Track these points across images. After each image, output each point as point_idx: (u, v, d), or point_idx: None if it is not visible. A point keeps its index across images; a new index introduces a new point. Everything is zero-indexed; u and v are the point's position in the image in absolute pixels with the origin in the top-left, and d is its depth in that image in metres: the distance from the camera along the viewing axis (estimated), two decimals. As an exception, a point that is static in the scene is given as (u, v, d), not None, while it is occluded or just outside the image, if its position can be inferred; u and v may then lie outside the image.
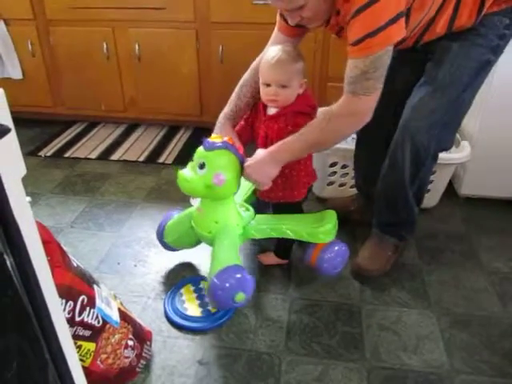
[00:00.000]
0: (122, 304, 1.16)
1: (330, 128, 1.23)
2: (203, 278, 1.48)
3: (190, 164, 1.31)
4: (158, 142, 2.44)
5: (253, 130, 1.44)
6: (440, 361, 1.23)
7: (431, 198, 1.81)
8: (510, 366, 1.22)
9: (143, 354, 1.19)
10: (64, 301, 0.87)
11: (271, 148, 1.28)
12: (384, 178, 1.43)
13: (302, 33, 1.38)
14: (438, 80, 1.28)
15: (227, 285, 1.20)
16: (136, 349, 1.14)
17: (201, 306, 1.38)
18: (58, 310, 0.63)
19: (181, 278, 1.50)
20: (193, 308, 1.37)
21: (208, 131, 2.50)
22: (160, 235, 1.52)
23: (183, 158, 2.27)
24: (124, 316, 1.12)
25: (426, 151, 1.32)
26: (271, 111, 1.35)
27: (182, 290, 1.43)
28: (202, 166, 1.25)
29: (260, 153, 1.30)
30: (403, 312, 1.39)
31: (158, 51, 2.33)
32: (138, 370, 1.17)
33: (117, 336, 1.06)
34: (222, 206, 1.34)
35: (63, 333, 0.64)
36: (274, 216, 1.47)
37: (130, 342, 1.12)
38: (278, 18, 1.37)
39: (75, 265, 0.97)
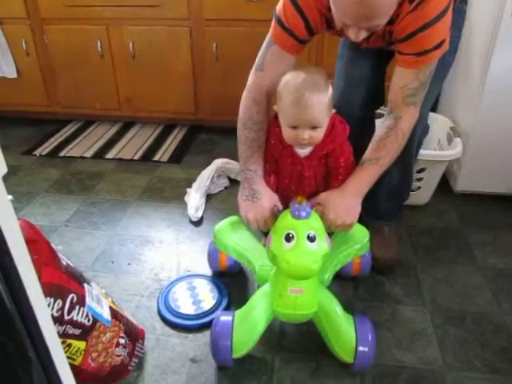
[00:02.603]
0: (113, 302, 1.16)
1: (402, 144, 1.22)
2: (197, 276, 1.48)
3: (273, 244, 1.05)
4: (153, 140, 2.44)
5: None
6: (433, 357, 1.23)
7: (424, 195, 1.81)
8: (502, 361, 1.22)
9: (135, 353, 1.18)
10: (52, 299, 0.87)
11: (350, 184, 1.17)
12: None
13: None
14: None
15: (373, 343, 1.13)
16: (128, 347, 1.14)
17: (194, 303, 1.37)
18: (43, 308, 0.63)
19: (175, 276, 1.50)
20: (186, 306, 1.36)
21: (203, 129, 2.52)
22: (228, 352, 1.13)
23: (178, 157, 2.27)
24: (116, 314, 1.12)
25: (426, 129, 1.43)
26: (303, 152, 1.20)
27: (176, 288, 1.43)
28: (313, 239, 1.03)
29: (332, 194, 1.16)
30: (397, 309, 1.38)
31: (153, 49, 2.33)
32: (130, 368, 1.17)
33: (108, 334, 1.06)
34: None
35: (49, 331, 0.64)
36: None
37: (122, 341, 1.12)
38: (281, 35, 1.18)
39: (65, 263, 0.96)
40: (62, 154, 2.31)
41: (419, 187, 1.76)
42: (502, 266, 1.56)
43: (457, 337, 1.29)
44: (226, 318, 1.15)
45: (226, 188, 1.99)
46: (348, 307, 1.22)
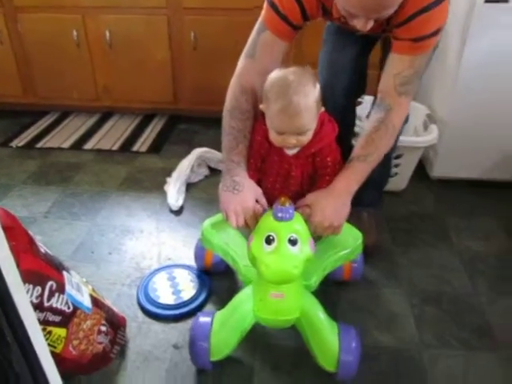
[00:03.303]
0: (94, 290, 1.16)
1: (393, 138, 1.19)
2: (178, 266, 1.48)
3: (253, 246, 1.01)
4: (132, 130, 2.42)
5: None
6: (411, 337, 1.27)
7: (400, 181, 1.84)
8: (477, 340, 1.26)
9: (117, 340, 1.19)
10: (31, 286, 0.86)
11: (338, 184, 1.13)
12: None
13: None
14: None
15: (358, 352, 1.08)
16: (109, 334, 1.14)
17: (174, 293, 1.37)
18: (21, 293, 0.63)
19: (156, 265, 1.50)
20: (166, 296, 1.36)
21: (182, 119, 2.50)
22: (206, 355, 1.10)
23: (157, 147, 2.26)
24: (96, 302, 1.12)
25: (407, 117, 1.38)
26: (291, 151, 1.16)
27: (156, 278, 1.43)
28: (295, 242, 0.98)
29: (320, 195, 1.12)
30: (376, 292, 1.41)
31: (130, 38, 2.30)
32: (112, 355, 1.17)
33: (89, 322, 1.06)
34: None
35: (28, 316, 0.63)
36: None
37: (103, 328, 1.12)
38: (274, 20, 1.14)
39: (43, 251, 0.96)
40: (39, 145, 2.28)
41: (396, 173, 1.78)
42: (477, 249, 1.60)
43: (433, 317, 1.33)
44: (204, 319, 1.11)
45: (206, 177, 1.99)
46: (327, 291, 1.23)
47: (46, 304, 0.91)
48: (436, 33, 1.09)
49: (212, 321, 1.10)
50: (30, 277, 0.87)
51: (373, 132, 1.15)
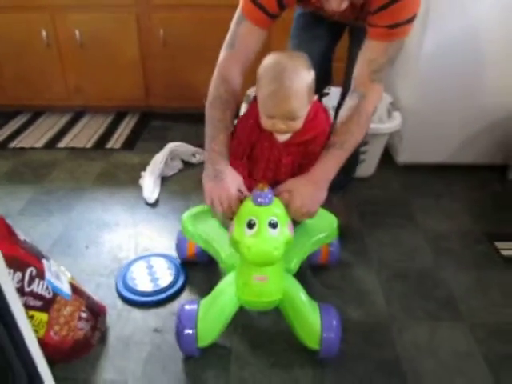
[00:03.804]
0: (73, 279, 1.19)
1: (367, 124, 1.21)
2: (155, 255, 1.52)
3: (235, 231, 1.04)
4: (105, 128, 2.43)
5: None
6: (380, 311, 1.34)
7: (368, 167, 1.92)
8: (443, 310, 1.34)
9: (98, 327, 1.22)
10: (12, 271, 0.90)
11: (316, 171, 1.15)
12: None
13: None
14: None
15: (338, 329, 1.13)
16: (90, 321, 1.18)
17: (152, 281, 1.41)
18: (5, 277, 0.65)
19: (133, 256, 1.53)
20: (143, 283, 1.40)
21: (155, 116, 2.53)
22: (193, 342, 1.13)
23: (131, 143, 2.28)
24: (76, 289, 1.15)
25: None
26: (281, 138, 1.17)
27: (133, 267, 1.46)
28: (275, 225, 1.02)
29: (299, 182, 1.14)
30: (346, 271, 1.48)
31: (100, 37, 2.32)
32: (93, 342, 1.20)
33: (69, 308, 1.09)
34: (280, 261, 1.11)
35: (14, 300, 0.66)
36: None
37: (84, 315, 1.15)
38: (252, 10, 1.17)
39: (22, 239, 0.99)
40: (11, 145, 2.27)
41: (363, 160, 1.86)
42: (442, 228, 1.68)
43: (401, 292, 1.40)
44: (190, 307, 1.14)
45: (179, 170, 2.02)
46: (300, 272, 1.29)
47: (27, 289, 0.94)
48: (411, 20, 1.11)
49: (198, 308, 1.13)
50: (9, 263, 0.90)
51: (348, 119, 1.18)
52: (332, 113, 1.98)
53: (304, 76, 1.05)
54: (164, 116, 2.54)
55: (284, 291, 1.14)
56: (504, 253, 1.56)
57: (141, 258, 1.51)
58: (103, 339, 1.24)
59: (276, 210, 1.05)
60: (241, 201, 1.10)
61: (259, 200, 1.03)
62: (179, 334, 1.13)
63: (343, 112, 1.21)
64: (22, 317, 0.69)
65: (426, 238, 1.63)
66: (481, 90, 1.84)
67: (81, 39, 2.31)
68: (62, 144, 2.27)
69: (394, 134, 1.96)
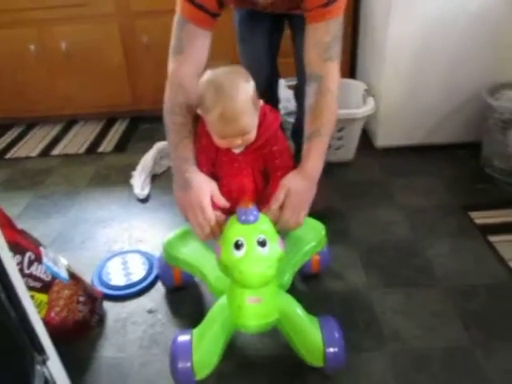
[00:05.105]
0: (70, 266, 1.28)
1: (334, 99, 1.19)
2: (132, 252, 1.58)
3: (223, 254, 0.99)
4: (96, 134, 2.53)
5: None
6: (359, 281, 1.43)
7: (347, 152, 2.01)
8: (420, 277, 1.43)
9: (96, 310, 1.31)
10: (11, 254, 0.98)
11: (308, 165, 1.13)
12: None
13: None
14: None
15: (342, 341, 1.08)
16: (88, 304, 1.26)
17: (125, 276, 1.48)
18: (9, 259, 0.73)
19: (128, 247, 1.62)
20: (117, 278, 1.46)
21: (145, 120, 2.63)
22: (190, 375, 1.05)
23: (122, 146, 2.38)
24: (73, 275, 1.25)
25: None
26: (237, 149, 1.15)
27: (110, 263, 1.53)
28: (264, 243, 0.97)
29: (296, 179, 1.11)
30: (328, 248, 1.56)
31: (86, 47, 2.41)
32: (92, 324, 1.29)
33: (67, 291, 1.18)
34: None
35: (17, 280, 0.73)
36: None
37: (82, 298, 1.24)
38: (193, 12, 1.17)
39: (19, 227, 1.08)
40: (7, 156, 2.37)
41: (342, 145, 1.95)
42: (419, 204, 1.77)
43: (380, 262, 1.49)
44: (183, 337, 1.07)
45: (169, 168, 2.11)
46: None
47: (27, 271, 1.03)
48: None
49: (191, 338, 1.07)
50: (9, 248, 0.99)
51: (315, 105, 1.18)
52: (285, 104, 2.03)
53: (245, 89, 1.03)
54: (152, 118, 2.61)
55: (280, 309, 1.09)
56: (478, 221, 1.65)
57: (117, 254, 1.58)
58: (101, 322, 1.33)
59: (263, 226, 1.00)
60: (220, 223, 1.05)
61: (244, 218, 0.98)
62: (174, 369, 1.05)
63: (308, 100, 1.21)
64: (25, 296, 0.77)
65: (404, 214, 1.72)
66: (448, 71, 1.94)
67: (67, 50, 2.41)
68: (55, 152, 2.37)
69: (371, 120, 2.05)
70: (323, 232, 1.33)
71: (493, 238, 1.56)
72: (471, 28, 1.86)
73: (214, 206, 1.07)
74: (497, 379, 1.12)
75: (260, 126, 1.12)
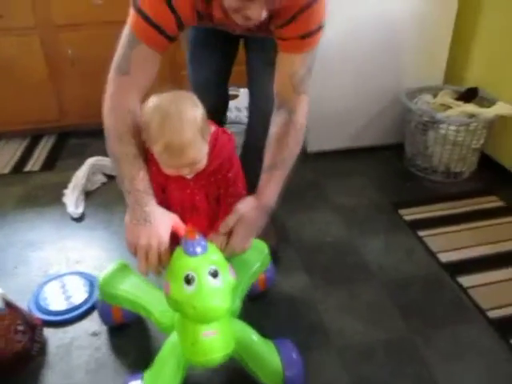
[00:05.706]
0: (5, 295, 1.21)
1: (302, 133, 1.19)
2: (69, 274, 1.53)
3: (173, 291, 0.93)
4: (21, 152, 2.40)
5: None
6: (303, 282, 1.48)
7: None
8: (358, 273, 1.52)
9: (36, 339, 1.25)
10: None
11: (264, 195, 1.13)
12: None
13: None
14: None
15: (300, 362, 1.09)
16: (27, 333, 1.20)
17: (66, 299, 1.42)
18: None
19: (65, 270, 1.56)
20: (57, 302, 1.41)
21: (73, 135, 2.53)
22: None
23: (51, 163, 2.28)
24: (9, 304, 1.18)
25: None
26: (188, 175, 1.09)
27: (46, 288, 1.46)
28: (216, 274, 0.92)
29: (250, 205, 1.10)
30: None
31: (5, 61, 2.29)
32: (33, 353, 1.23)
33: (4, 321, 1.12)
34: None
35: None
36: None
37: (20, 327, 1.18)
38: (148, 32, 1.04)
39: None
40: None
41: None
42: (352, 203, 1.87)
43: (320, 263, 1.56)
44: (133, 383, 1.02)
45: (103, 184, 2.06)
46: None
47: (-41, 304, 0.97)
48: (321, 27, 1.11)
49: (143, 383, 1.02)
50: None
51: (283, 136, 1.15)
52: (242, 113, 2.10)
53: (192, 118, 0.97)
54: (81, 133, 2.53)
55: (235, 338, 1.04)
56: (406, 218, 1.77)
57: (54, 278, 1.51)
58: (43, 350, 1.27)
59: (213, 256, 0.95)
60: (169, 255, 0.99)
61: (191, 250, 0.92)
62: None
63: (274, 129, 1.17)
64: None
65: (339, 214, 1.80)
66: (370, 77, 2.05)
67: (-16, 65, 2.28)
68: (-24, 173, 2.23)
69: (302, 126, 2.12)
70: (266, 251, 1.31)
71: (421, 233, 1.68)
72: (389, 35, 1.99)
73: (174, 241, 1.01)
74: (436, 363, 1.21)
75: (212, 150, 1.06)
